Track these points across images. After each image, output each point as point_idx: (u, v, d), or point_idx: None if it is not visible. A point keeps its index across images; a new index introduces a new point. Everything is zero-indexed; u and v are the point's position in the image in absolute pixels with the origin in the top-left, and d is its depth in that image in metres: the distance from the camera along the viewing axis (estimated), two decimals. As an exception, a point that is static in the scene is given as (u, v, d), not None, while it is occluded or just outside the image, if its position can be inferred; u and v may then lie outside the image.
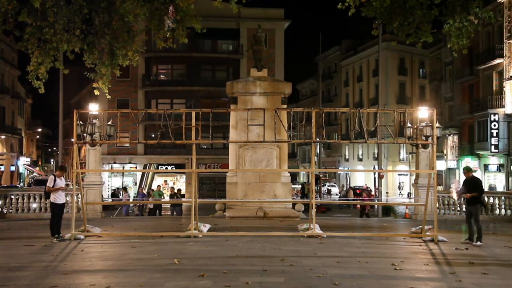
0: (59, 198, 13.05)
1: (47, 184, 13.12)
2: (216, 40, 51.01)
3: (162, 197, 27.74)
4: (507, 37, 38.27)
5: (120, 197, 29.55)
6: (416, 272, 9.04)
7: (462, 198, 13.86)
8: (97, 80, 16.89)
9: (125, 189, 28.45)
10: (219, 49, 52.13)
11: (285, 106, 20.34)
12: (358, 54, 65.33)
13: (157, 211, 24.70)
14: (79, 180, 14.49)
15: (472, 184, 12.96)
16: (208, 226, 14.45)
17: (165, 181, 48.46)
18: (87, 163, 19.39)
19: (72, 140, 15.12)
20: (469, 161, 43.60)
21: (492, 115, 39.00)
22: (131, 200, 28.94)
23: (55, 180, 13.02)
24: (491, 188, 38.65)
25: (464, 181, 13.32)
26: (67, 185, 13.82)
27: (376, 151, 49.06)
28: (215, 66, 51.59)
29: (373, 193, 42.15)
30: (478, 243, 12.29)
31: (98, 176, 19.81)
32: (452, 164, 47.18)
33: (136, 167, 48.82)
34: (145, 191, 31.71)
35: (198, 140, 13.64)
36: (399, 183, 56.09)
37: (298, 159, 77.34)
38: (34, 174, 63.10)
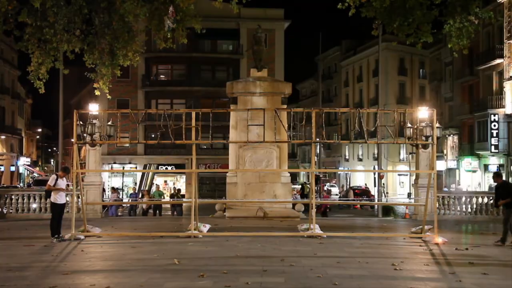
0: (59, 198, 13.05)
1: (48, 183, 13.12)
2: (216, 40, 51.01)
3: (162, 197, 27.67)
4: (507, 37, 38.27)
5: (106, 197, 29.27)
6: (416, 272, 9.04)
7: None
8: (97, 80, 16.91)
9: (113, 188, 28.15)
10: (219, 49, 52.13)
11: (285, 106, 20.33)
12: (358, 54, 65.32)
13: (157, 212, 24.69)
14: (79, 180, 14.47)
15: (505, 190, 12.93)
16: (208, 226, 14.45)
17: (165, 181, 48.46)
18: (87, 163, 19.38)
19: (72, 140, 15.12)
20: (469, 161, 43.65)
21: (492, 115, 39.01)
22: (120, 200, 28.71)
23: (56, 180, 13.00)
24: (491, 188, 38.61)
25: (496, 188, 13.33)
26: (67, 185, 13.80)
27: (376, 151, 49.04)
28: (215, 66, 51.59)
29: (372, 193, 42.25)
30: (499, 243, 12.40)
31: (98, 176, 19.82)
32: (452, 164, 47.19)
33: (136, 167, 48.82)
34: (141, 191, 31.61)
35: (198, 140, 13.64)
36: (383, 183, 55.50)
37: (298, 159, 77.31)
38: (34, 174, 63.08)
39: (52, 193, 12.99)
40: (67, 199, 18.56)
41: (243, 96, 20.39)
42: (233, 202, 19.57)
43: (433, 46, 48.16)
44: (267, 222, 17.13)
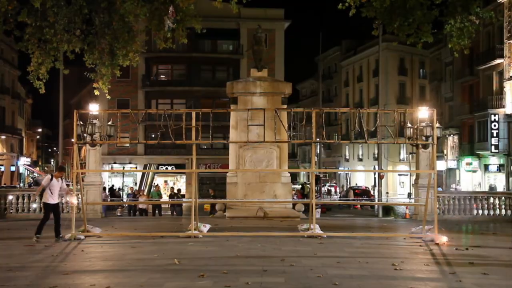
0: (51, 198, 12.94)
1: (42, 183, 13.07)
2: (216, 40, 51.01)
3: (161, 197, 27.64)
4: (507, 37, 38.28)
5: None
6: (416, 272, 9.04)
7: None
8: (97, 80, 16.91)
9: (104, 188, 28.01)
10: (219, 49, 52.13)
11: (285, 106, 20.33)
12: (358, 54, 65.33)
13: (156, 211, 24.73)
14: (79, 180, 14.46)
15: None
16: (208, 226, 14.44)
17: (165, 181, 48.49)
18: (87, 163, 19.37)
19: (72, 140, 15.11)
20: (470, 161, 43.65)
21: (492, 115, 39.03)
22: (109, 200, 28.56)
23: (51, 180, 12.91)
24: (492, 188, 38.65)
25: None
26: (67, 185, 13.75)
27: (376, 151, 49.03)
28: (215, 66, 51.58)
29: (372, 193, 42.27)
30: None
31: (98, 176, 19.81)
32: (452, 164, 47.20)
33: (136, 167, 48.82)
34: (134, 191, 31.63)
35: (198, 140, 13.62)
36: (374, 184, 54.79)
37: (298, 159, 77.32)
38: (34, 174, 63.11)
39: (44, 193, 12.90)
40: (67, 199, 18.64)
41: (243, 96, 20.38)
42: (233, 202, 19.56)
43: (433, 46, 48.18)
44: (267, 222, 17.13)
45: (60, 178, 13.21)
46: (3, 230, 15.18)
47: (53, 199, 12.98)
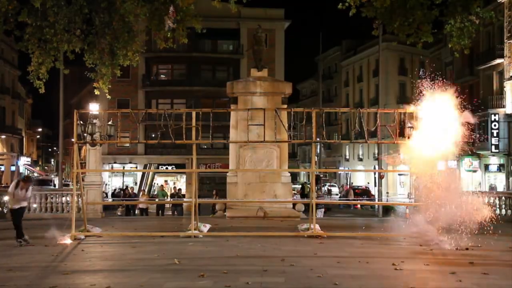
0: (15, 204, 12.66)
1: (9, 190, 12.89)
2: (216, 40, 50.99)
3: (166, 197, 27.67)
4: (507, 37, 38.27)
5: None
6: (416, 272, 9.03)
7: None
8: (97, 80, 16.92)
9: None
10: (219, 49, 52.11)
11: (285, 106, 20.32)
12: (358, 54, 65.30)
13: (160, 211, 24.79)
14: (79, 180, 14.45)
15: None
16: (208, 226, 14.45)
17: (166, 181, 48.54)
18: (87, 163, 19.39)
19: (73, 140, 15.12)
20: (470, 161, 43.63)
21: (492, 115, 39.00)
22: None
23: (15, 187, 12.58)
24: (492, 188, 38.63)
25: None
26: (67, 184, 13.70)
27: (376, 151, 49.02)
28: (215, 66, 51.57)
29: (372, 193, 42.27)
30: None
31: (98, 176, 19.83)
32: (452, 164, 47.14)
33: (136, 167, 48.83)
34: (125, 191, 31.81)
35: (198, 140, 13.64)
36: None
37: (299, 159, 77.28)
38: (34, 174, 63.11)
39: (9, 199, 12.76)
40: (67, 199, 18.70)
41: (243, 96, 20.37)
42: (233, 202, 19.56)
43: (433, 46, 48.13)
44: (267, 222, 17.12)
45: (25, 189, 12.69)
46: (3, 230, 15.16)
47: (15, 206, 12.66)
